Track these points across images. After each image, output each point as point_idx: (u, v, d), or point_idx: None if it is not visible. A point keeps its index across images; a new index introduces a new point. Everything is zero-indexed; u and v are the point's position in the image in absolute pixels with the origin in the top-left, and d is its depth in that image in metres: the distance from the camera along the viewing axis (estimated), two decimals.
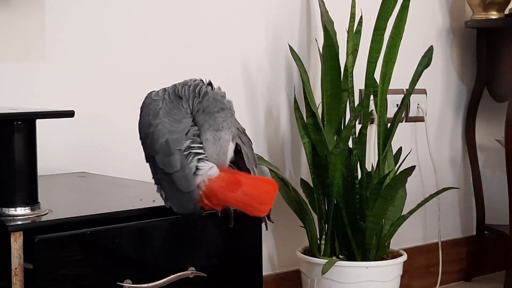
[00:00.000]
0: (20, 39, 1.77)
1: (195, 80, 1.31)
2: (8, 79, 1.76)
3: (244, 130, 1.36)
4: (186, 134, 1.27)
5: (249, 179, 1.27)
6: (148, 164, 1.32)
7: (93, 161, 1.87)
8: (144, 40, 1.95)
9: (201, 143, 1.26)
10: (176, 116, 1.28)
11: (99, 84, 1.89)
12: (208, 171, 1.25)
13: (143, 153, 1.32)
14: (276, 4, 2.19)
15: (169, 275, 1.30)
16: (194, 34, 2.04)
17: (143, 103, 1.33)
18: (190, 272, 1.32)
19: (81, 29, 1.85)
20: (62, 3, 1.82)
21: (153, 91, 1.34)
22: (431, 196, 2.05)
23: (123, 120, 1.92)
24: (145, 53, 1.95)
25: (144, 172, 1.91)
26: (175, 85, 1.33)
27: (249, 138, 1.35)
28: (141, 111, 1.32)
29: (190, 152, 1.25)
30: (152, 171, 1.30)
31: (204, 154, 1.26)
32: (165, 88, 1.33)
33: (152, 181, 1.33)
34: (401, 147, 2.14)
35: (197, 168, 1.26)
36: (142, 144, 1.31)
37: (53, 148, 1.80)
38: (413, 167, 1.87)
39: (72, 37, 1.84)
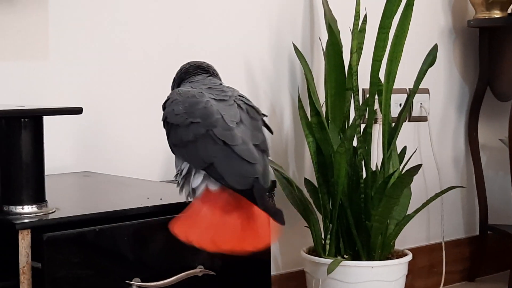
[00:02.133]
0: (23, 38, 1.76)
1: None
2: (11, 77, 1.74)
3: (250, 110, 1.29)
4: (233, 116, 1.25)
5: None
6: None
7: (97, 161, 1.86)
8: (147, 38, 1.94)
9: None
10: (216, 99, 1.27)
11: (103, 83, 1.87)
12: None
13: (181, 139, 1.23)
14: (279, 3, 2.18)
15: (178, 273, 1.29)
16: (198, 33, 2.03)
17: (176, 93, 1.29)
18: (199, 270, 1.31)
19: (84, 26, 1.84)
20: (66, 2, 1.81)
21: (174, 89, 1.34)
22: (437, 195, 2.04)
23: (127, 119, 1.91)
24: (149, 51, 1.94)
25: (148, 172, 1.92)
26: (193, 79, 1.34)
27: (258, 120, 1.29)
28: (174, 99, 1.27)
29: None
30: (196, 153, 1.21)
31: None
32: (179, 88, 1.33)
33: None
34: (405, 146, 2.13)
35: None
36: (179, 129, 1.24)
37: (56, 148, 1.78)
38: (419, 166, 1.86)
39: (76, 35, 1.82)
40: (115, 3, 1.88)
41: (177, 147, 1.26)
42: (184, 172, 1.25)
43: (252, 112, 1.29)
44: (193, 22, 2.01)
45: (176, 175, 1.27)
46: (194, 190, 1.24)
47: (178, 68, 1.42)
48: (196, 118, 1.22)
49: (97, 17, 1.86)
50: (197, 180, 1.23)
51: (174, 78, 1.42)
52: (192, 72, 1.38)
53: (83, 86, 1.84)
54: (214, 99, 1.26)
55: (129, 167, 1.89)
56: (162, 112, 1.29)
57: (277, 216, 1.17)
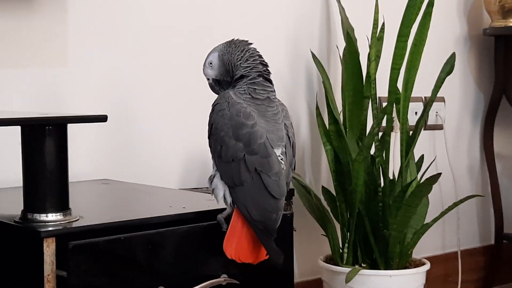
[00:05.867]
0: (42, 44, 1.76)
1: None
2: (30, 84, 1.74)
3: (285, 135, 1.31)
4: (280, 138, 1.27)
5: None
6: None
7: (114, 168, 1.85)
8: (166, 47, 1.94)
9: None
10: (266, 118, 1.27)
11: (121, 90, 1.87)
12: None
13: (220, 152, 1.25)
14: (296, 12, 2.18)
15: (202, 282, 1.28)
16: (216, 41, 2.02)
17: (225, 101, 1.27)
18: (223, 279, 1.30)
19: (103, 33, 1.84)
20: (84, 9, 1.81)
21: (226, 92, 1.30)
22: (456, 204, 2.02)
23: (144, 126, 1.90)
24: (167, 59, 1.94)
25: (166, 180, 1.91)
26: (248, 87, 1.30)
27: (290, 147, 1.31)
28: (222, 108, 1.26)
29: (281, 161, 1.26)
30: (230, 172, 1.24)
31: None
32: (232, 92, 1.29)
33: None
34: (423, 155, 2.12)
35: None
36: (220, 142, 1.25)
37: (73, 155, 1.77)
38: (439, 175, 1.85)
39: (95, 41, 1.82)
40: (134, 9, 1.88)
41: (214, 154, 1.27)
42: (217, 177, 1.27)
43: (293, 149, 1.31)
44: (211, 30, 2.01)
45: (210, 177, 1.28)
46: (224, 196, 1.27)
47: (239, 49, 1.33)
48: (238, 142, 1.23)
49: (116, 23, 1.86)
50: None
51: (228, 53, 1.33)
52: (252, 76, 1.31)
53: (101, 93, 1.84)
54: (262, 116, 1.26)
55: (146, 175, 1.88)
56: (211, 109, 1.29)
57: (276, 258, 1.24)
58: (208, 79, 1.37)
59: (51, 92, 1.77)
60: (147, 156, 1.91)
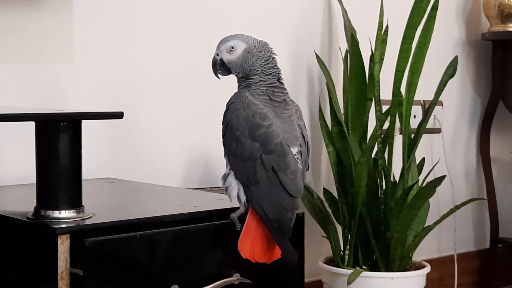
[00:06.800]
0: (48, 41, 1.74)
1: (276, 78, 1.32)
2: (35, 80, 1.73)
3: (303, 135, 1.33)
4: (296, 138, 1.28)
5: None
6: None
7: (118, 167, 1.84)
8: (170, 46, 1.93)
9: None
10: (282, 119, 1.28)
11: (126, 88, 1.86)
12: None
13: (236, 151, 1.25)
14: (299, 14, 2.18)
15: (215, 281, 1.27)
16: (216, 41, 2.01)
17: (240, 101, 1.27)
18: (236, 278, 1.30)
19: (108, 31, 1.83)
20: (90, 6, 1.80)
21: (242, 91, 1.30)
22: (457, 207, 2.03)
23: (148, 125, 1.89)
24: (172, 59, 1.93)
25: (169, 178, 1.90)
26: (267, 89, 1.30)
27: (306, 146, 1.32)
28: (237, 108, 1.27)
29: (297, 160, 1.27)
30: (244, 169, 1.24)
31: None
32: (248, 93, 1.29)
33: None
34: (424, 158, 2.12)
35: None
36: (235, 141, 1.25)
37: None
38: (443, 177, 1.85)
39: (100, 39, 1.81)
40: (140, 6, 1.87)
41: (228, 152, 1.28)
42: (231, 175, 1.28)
43: (308, 149, 1.32)
44: (215, 31, 2.00)
45: (224, 175, 1.28)
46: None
47: (265, 57, 1.32)
48: (255, 142, 1.23)
49: (121, 21, 1.85)
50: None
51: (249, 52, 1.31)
52: (269, 79, 1.32)
53: (105, 91, 1.83)
54: (278, 117, 1.27)
55: (149, 174, 1.87)
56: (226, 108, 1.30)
57: (291, 257, 1.25)
58: (217, 54, 1.34)
59: (55, 89, 1.76)
60: (150, 155, 1.90)
